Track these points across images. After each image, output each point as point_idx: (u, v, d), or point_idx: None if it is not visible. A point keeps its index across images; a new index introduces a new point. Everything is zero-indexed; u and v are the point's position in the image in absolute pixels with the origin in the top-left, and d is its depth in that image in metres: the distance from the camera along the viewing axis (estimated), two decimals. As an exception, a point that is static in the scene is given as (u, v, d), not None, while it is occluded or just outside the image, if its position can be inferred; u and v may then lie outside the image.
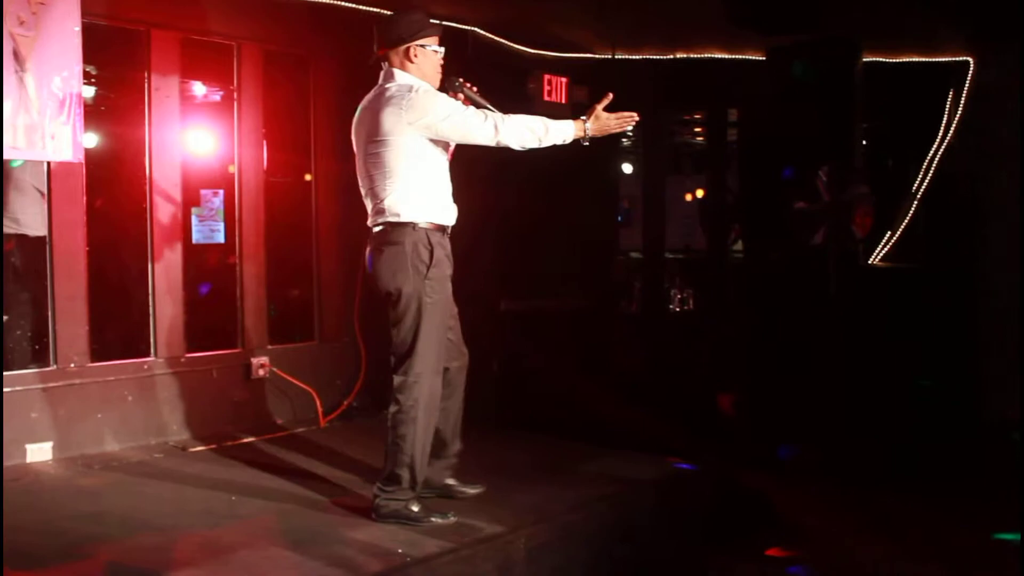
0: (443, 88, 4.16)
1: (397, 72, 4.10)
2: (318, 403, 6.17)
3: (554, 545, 4.12)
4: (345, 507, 4.32)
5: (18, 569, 3.54)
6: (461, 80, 4.21)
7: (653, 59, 7.79)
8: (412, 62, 4.08)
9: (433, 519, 4.06)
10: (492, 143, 4.05)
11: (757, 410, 6.48)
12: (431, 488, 4.32)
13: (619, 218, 12.08)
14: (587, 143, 4.20)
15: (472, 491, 4.43)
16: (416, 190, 4.00)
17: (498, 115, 4.06)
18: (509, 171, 7.11)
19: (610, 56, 7.66)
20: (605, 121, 4.13)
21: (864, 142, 8.56)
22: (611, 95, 4.17)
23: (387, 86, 4.07)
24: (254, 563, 3.65)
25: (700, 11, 6.48)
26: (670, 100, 8.01)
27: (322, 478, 4.86)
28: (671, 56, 7.79)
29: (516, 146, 4.08)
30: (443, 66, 4.18)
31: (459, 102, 4.11)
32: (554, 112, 7.14)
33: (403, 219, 4.00)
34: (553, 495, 4.53)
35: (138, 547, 3.81)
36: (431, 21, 4.15)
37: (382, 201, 4.02)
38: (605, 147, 8.04)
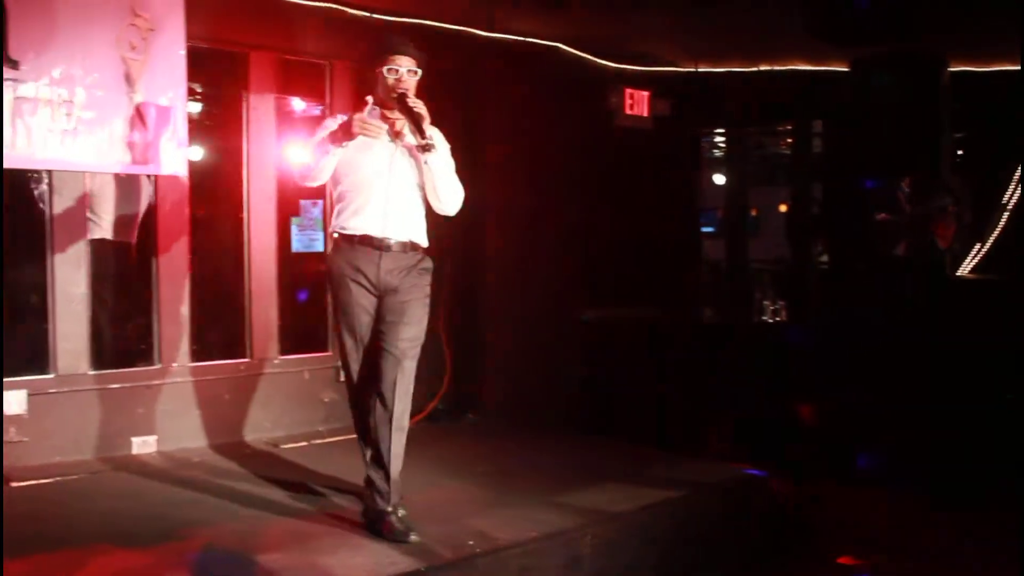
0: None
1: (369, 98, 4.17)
2: (406, 405, 6.40)
3: (620, 543, 4.27)
4: (422, 501, 4.52)
5: (121, 548, 3.86)
6: (405, 92, 4.02)
7: (736, 72, 7.88)
8: (377, 82, 4.13)
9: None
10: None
11: (836, 420, 6.49)
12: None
13: (704, 228, 12.14)
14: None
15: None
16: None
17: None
18: (591, 184, 7.31)
19: (693, 69, 7.77)
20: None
21: (959, 152, 8.50)
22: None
23: None
24: (334, 549, 3.89)
25: (783, 24, 6.55)
26: (754, 113, 8.08)
27: (405, 474, 5.06)
28: (755, 69, 7.86)
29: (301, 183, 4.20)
30: (400, 83, 4.06)
31: (316, 140, 4.08)
32: (637, 125, 7.35)
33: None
34: (622, 495, 4.67)
35: (230, 533, 4.09)
36: (392, 45, 4.15)
37: None
38: (686, 157, 8.21)
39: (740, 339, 7.73)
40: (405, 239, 4.16)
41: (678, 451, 5.55)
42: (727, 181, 8.84)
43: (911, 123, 6.59)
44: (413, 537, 3.97)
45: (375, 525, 4.06)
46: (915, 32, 6.25)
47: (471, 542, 3.99)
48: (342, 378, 4.24)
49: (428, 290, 4.25)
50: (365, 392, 4.21)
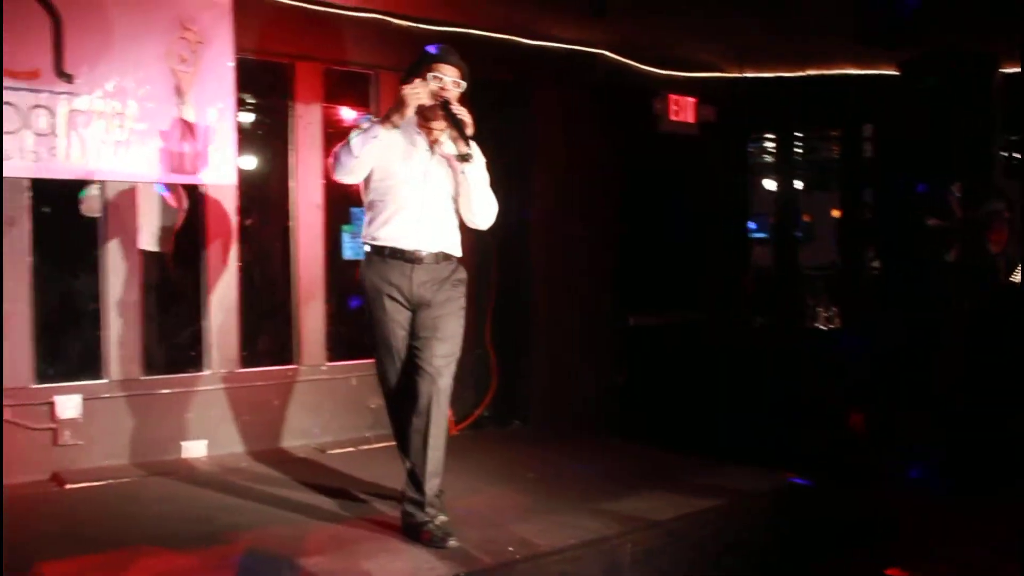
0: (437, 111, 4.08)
1: None
2: (449, 412, 6.43)
3: (661, 551, 4.26)
4: (464, 507, 4.56)
5: (167, 550, 3.94)
6: (446, 98, 4.04)
7: (784, 77, 7.82)
8: None
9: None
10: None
11: (887, 427, 6.40)
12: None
13: (756, 234, 12.03)
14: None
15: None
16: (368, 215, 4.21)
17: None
18: (636, 190, 7.30)
19: (740, 75, 7.73)
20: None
21: (1012, 155, 8.33)
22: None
23: None
24: (375, 553, 3.94)
25: (830, 27, 6.49)
26: (802, 117, 8.01)
27: (449, 480, 5.09)
28: (803, 73, 7.79)
29: (335, 172, 4.10)
30: (444, 92, 4.06)
31: (361, 131, 4.03)
32: (682, 131, 7.32)
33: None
34: (665, 503, 4.66)
35: (273, 536, 4.16)
36: (434, 54, 4.15)
37: None
38: (732, 162, 8.15)
39: (788, 345, 7.66)
40: (437, 250, 4.15)
41: (723, 459, 5.50)
42: (776, 186, 8.76)
43: (962, 126, 6.47)
44: (451, 542, 4.00)
45: (414, 533, 4.09)
46: (966, 33, 6.16)
47: (511, 548, 4.01)
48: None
49: (463, 302, 4.24)
50: (402, 406, 4.23)
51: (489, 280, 6.82)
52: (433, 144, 4.15)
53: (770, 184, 10.57)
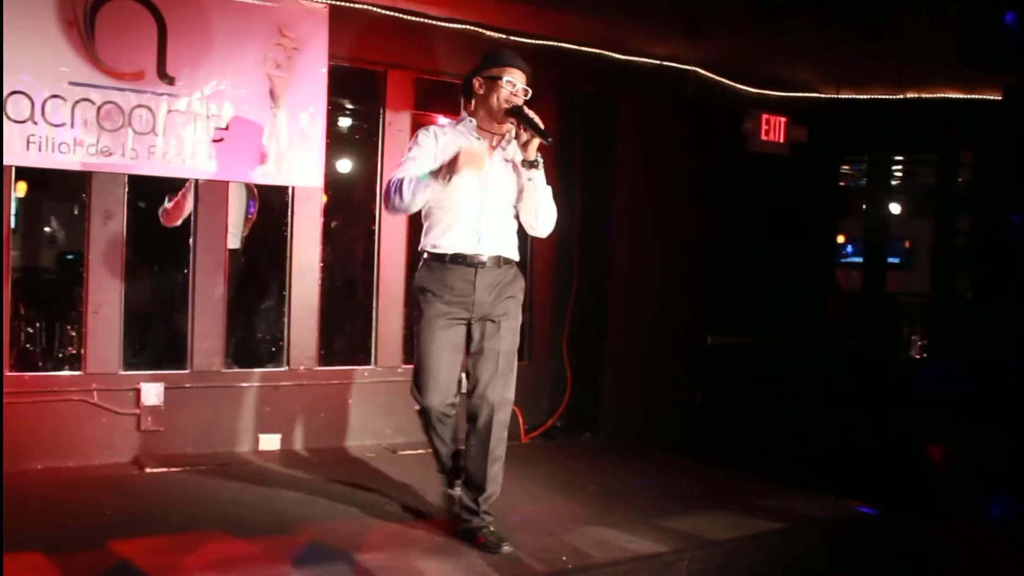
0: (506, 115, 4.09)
1: (464, 112, 4.24)
2: (521, 420, 6.49)
3: (716, 571, 4.23)
4: (524, 515, 4.61)
5: (235, 537, 4.09)
6: (519, 104, 4.07)
7: (881, 99, 7.67)
8: (476, 94, 4.15)
9: None
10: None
11: (969, 461, 6.21)
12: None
13: (847, 257, 11.80)
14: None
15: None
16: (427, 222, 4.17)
17: (400, 172, 4.02)
18: (722, 208, 7.25)
19: (835, 95, 7.61)
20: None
21: None
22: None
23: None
24: (431, 554, 4.03)
25: (932, 50, 6.35)
26: (898, 141, 7.85)
27: (512, 487, 5.16)
28: (900, 96, 7.63)
29: (387, 209, 4.10)
30: (515, 97, 4.10)
31: (415, 150, 4.07)
32: (772, 151, 7.24)
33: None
34: (724, 523, 4.63)
35: (335, 530, 4.27)
36: (505, 58, 4.15)
37: None
38: (823, 184, 8.02)
39: (871, 372, 7.49)
40: (497, 254, 4.12)
41: (791, 484, 5.42)
42: (867, 210, 8.59)
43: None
44: (506, 548, 4.05)
45: (469, 537, 4.14)
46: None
47: (564, 557, 4.04)
48: (461, 390, 4.14)
49: (520, 317, 4.22)
50: (438, 420, 4.25)
51: (568, 293, 6.86)
52: (491, 150, 4.13)
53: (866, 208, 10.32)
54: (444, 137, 4.12)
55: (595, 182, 6.92)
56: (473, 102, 4.18)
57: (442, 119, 4.15)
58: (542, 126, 4.00)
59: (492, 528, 4.14)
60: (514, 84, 4.10)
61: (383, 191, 4.14)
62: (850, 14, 6.03)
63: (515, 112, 4.04)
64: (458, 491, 4.30)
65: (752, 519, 4.72)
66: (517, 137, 4.10)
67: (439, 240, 4.11)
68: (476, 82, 4.14)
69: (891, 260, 14.28)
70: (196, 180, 5.50)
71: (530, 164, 4.09)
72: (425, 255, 4.17)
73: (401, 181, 3.96)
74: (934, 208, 8.44)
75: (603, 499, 5.03)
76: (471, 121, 4.16)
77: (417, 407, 4.28)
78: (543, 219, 4.20)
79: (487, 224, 4.11)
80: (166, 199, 5.76)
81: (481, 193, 4.10)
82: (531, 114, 4.02)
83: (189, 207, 5.61)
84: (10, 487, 4.70)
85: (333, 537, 4.18)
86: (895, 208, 14.28)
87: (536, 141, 4.04)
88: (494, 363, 4.11)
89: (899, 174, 13.12)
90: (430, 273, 4.13)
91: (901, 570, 4.78)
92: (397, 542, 4.17)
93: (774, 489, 5.33)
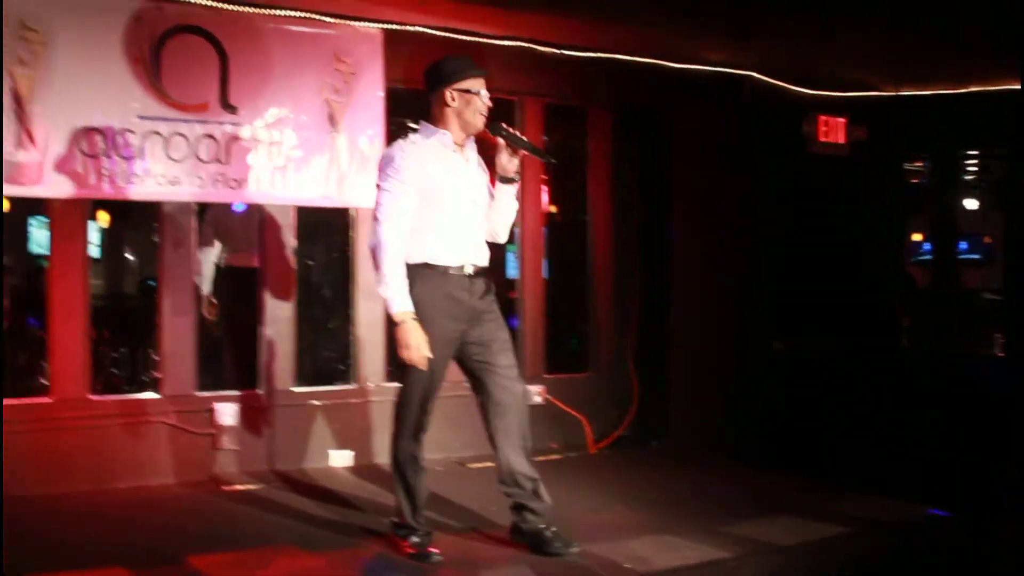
0: (487, 132, 4.14)
1: (422, 123, 4.18)
2: (588, 431, 6.54)
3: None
4: (589, 523, 4.65)
5: (304, 551, 4.22)
6: (503, 124, 4.14)
7: (944, 94, 7.54)
8: (449, 106, 4.07)
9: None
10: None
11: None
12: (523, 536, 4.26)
13: (918, 255, 11.54)
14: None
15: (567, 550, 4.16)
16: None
17: (388, 229, 3.95)
18: (783, 211, 7.21)
19: (895, 93, 7.51)
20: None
21: None
22: None
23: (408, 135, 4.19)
24: (496, 564, 4.12)
25: (995, 42, 6.25)
26: (962, 136, 7.70)
27: (578, 497, 5.22)
28: (964, 90, 7.50)
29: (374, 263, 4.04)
30: (489, 110, 4.13)
31: (396, 184, 3.99)
32: (832, 152, 7.19)
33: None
34: (790, 529, 4.61)
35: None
36: (475, 66, 4.13)
37: None
38: (887, 181, 7.90)
39: (942, 373, 7.35)
40: (482, 263, 4.18)
41: (860, 487, 5.36)
42: (934, 207, 8.43)
43: None
44: (574, 549, 4.12)
45: (536, 542, 4.19)
46: None
47: (628, 564, 4.07)
48: (528, 402, 4.21)
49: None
50: (423, 428, 4.21)
51: (630, 302, 6.89)
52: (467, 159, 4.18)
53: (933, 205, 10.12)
54: (423, 157, 4.05)
55: (653, 191, 6.94)
56: (446, 112, 4.10)
57: (412, 135, 4.10)
58: (537, 146, 4.16)
59: (553, 530, 4.19)
60: (486, 96, 4.11)
61: (374, 242, 3.99)
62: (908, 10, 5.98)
63: (512, 140, 4.11)
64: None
65: (819, 524, 4.69)
66: (498, 153, 4.14)
67: (432, 249, 4.04)
68: (448, 94, 4.06)
69: (971, 256, 14.00)
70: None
71: (507, 180, 4.17)
72: (416, 264, 4.03)
73: (390, 263, 3.92)
74: (1004, 202, 8.26)
75: (669, 507, 5.04)
76: (445, 134, 4.11)
77: (404, 419, 4.16)
78: (506, 228, 4.31)
79: (473, 233, 4.16)
80: None
81: (468, 203, 4.14)
82: (513, 130, 4.14)
83: None
84: (95, 505, 4.95)
85: (399, 549, 4.27)
86: (972, 204, 13.98)
87: (516, 159, 4.12)
88: (507, 349, 4.21)
89: (974, 169, 12.84)
90: (426, 282, 4.01)
91: (974, 574, 4.69)
92: (464, 552, 4.24)
93: (842, 494, 5.28)
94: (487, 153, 4.31)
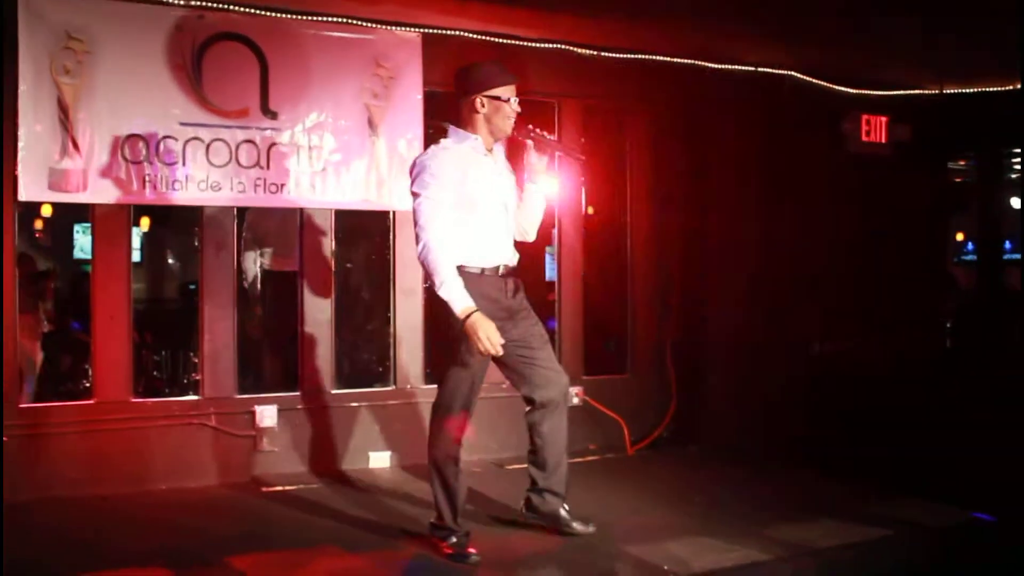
0: (517, 136, 4.24)
1: (452, 127, 4.21)
2: (626, 432, 6.52)
3: (822, 580, 4.18)
4: (627, 526, 4.64)
5: (346, 551, 4.25)
6: (531, 126, 4.25)
7: (988, 91, 7.44)
8: (478, 112, 4.14)
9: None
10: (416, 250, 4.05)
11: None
12: (539, 516, 4.46)
13: (961, 254, 11.36)
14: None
15: (581, 529, 4.41)
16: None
17: (434, 235, 3.94)
18: (824, 212, 7.14)
19: (938, 91, 7.42)
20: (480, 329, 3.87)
21: None
22: None
23: (440, 141, 4.23)
24: (533, 565, 4.14)
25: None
26: (1009, 134, 7.58)
27: (616, 499, 5.21)
28: (1010, 87, 7.39)
29: (424, 270, 4.04)
30: (518, 116, 4.20)
31: (436, 191, 4.00)
32: (873, 152, 7.11)
33: None
34: (830, 531, 4.57)
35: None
36: (505, 73, 4.19)
37: None
38: (931, 181, 7.80)
39: (989, 373, 7.24)
40: (513, 264, 4.27)
41: (902, 491, 5.30)
42: (979, 206, 8.31)
43: None
44: (591, 528, 4.40)
45: (553, 521, 4.39)
46: None
47: (666, 566, 4.06)
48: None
49: None
50: (461, 425, 4.24)
51: (668, 303, 6.86)
52: (505, 161, 4.35)
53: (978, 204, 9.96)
54: (457, 163, 4.08)
55: (692, 193, 6.91)
56: (475, 118, 4.16)
57: (444, 141, 4.16)
58: (571, 149, 4.31)
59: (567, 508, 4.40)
60: (516, 102, 4.19)
61: (422, 250, 3.97)
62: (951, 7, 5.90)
63: (529, 131, 4.26)
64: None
65: (859, 526, 4.64)
66: (527, 154, 4.31)
67: (470, 252, 4.09)
68: (478, 100, 4.13)
69: (1014, 256, 13.76)
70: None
71: (538, 180, 4.32)
72: (456, 266, 4.02)
73: (444, 266, 3.91)
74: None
75: (708, 509, 5.01)
76: (477, 140, 4.17)
77: (443, 417, 4.20)
78: (535, 228, 4.44)
79: (506, 233, 4.28)
80: None
81: (501, 204, 4.23)
82: (550, 137, 4.34)
83: None
84: (137, 507, 5.02)
85: (436, 549, 4.29)
86: (1017, 203, 13.71)
87: (544, 160, 4.30)
88: (546, 343, 4.35)
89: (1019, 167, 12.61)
90: (467, 284, 3.99)
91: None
92: (502, 552, 4.26)
93: (883, 497, 5.22)
94: (516, 153, 4.42)
